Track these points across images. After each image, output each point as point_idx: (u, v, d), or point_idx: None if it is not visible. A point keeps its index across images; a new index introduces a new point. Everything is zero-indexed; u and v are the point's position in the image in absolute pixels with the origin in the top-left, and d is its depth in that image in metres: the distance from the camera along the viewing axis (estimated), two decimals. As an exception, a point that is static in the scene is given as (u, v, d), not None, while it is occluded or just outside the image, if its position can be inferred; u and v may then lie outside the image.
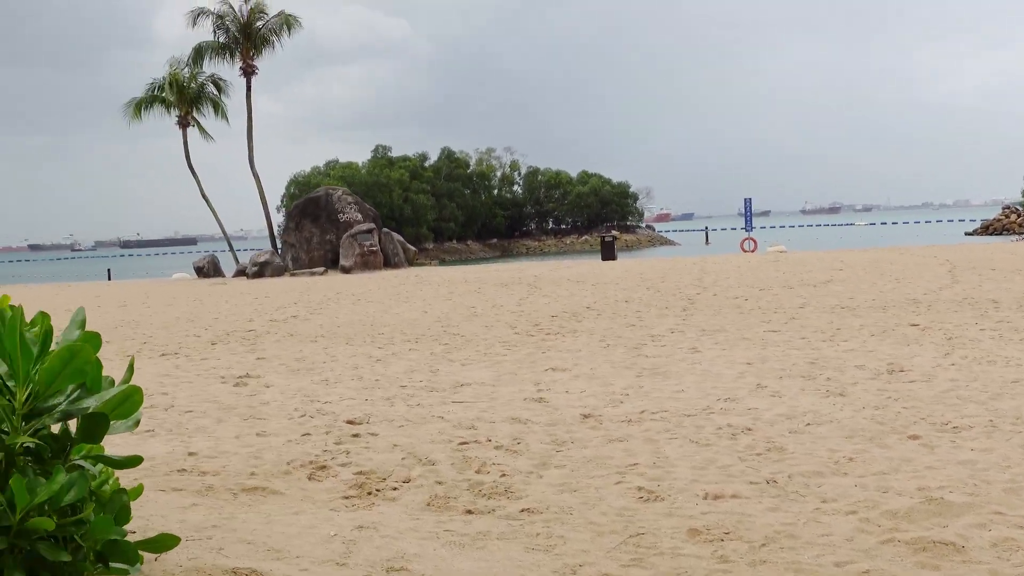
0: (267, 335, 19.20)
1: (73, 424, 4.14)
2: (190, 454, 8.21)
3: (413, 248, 50.06)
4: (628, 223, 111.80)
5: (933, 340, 13.78)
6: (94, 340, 4.09)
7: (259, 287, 37.15)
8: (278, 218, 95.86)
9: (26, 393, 3.86)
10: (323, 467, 7.63)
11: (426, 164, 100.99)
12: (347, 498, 6.82)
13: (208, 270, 46.77)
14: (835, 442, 7.85)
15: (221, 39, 50.29)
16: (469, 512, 6.36)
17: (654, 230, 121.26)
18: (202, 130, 51.46)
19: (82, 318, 4.20)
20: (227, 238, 52.75)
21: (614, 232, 57.64)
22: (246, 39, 49.55)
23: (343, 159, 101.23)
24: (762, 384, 10.76)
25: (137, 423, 4.16)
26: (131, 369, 4.28)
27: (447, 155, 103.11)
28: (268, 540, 5.81)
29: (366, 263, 43.58)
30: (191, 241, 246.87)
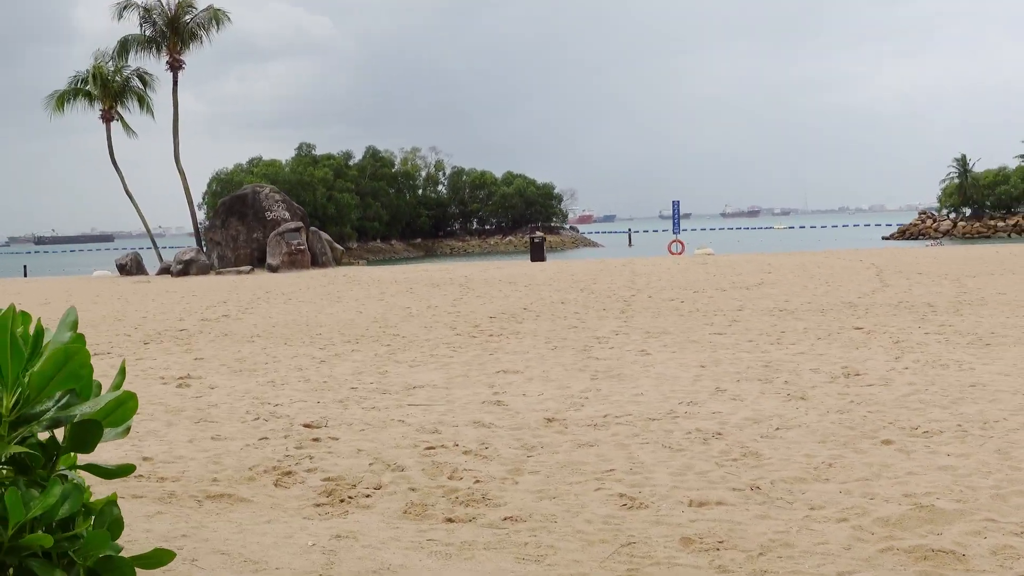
0: (200, 335, 18.75)
1: (58, 432, 3.86)
2: (144, 459, 7.89)
3: (340, 247, 49.53)
4: (552, 224, 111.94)
5: (881, 344, 13.84)
6: (81, 342, 3.82)
7: (185, 285, 36.42)
8: (199, 215, 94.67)
9: (14, 398, 3.57)
10: (288, 473, 7.37)
11: (351, 163, 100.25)
12: (319, 506, 6.58)
13: (131, 267, 45.76)
14: (809, 447, 7.78)
15: (148, 32, 49.26)
16: (449, 520, 6.15)
17: (578, 231, 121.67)
18: (125, 125, 50.35)
19: (73, 319, 3.93)
20: (150, 235, 51.70)
21: (539, 232, 57.42)
22: (173, 33, 48.56)
23: (266, 157, 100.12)
24: (720, 387, 10.69)
25: (128, 430, 3.89)
26: (123, 372, 4.01)
27: (372, 154, 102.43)
28: (243, 551, 5.56)
29: (293, 262, 42.98)
30: (108, 238, 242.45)
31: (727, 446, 7.89)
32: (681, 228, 54.92)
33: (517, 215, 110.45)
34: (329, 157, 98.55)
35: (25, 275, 60.73)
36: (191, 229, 53.71)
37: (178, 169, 49.58)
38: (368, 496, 6.75)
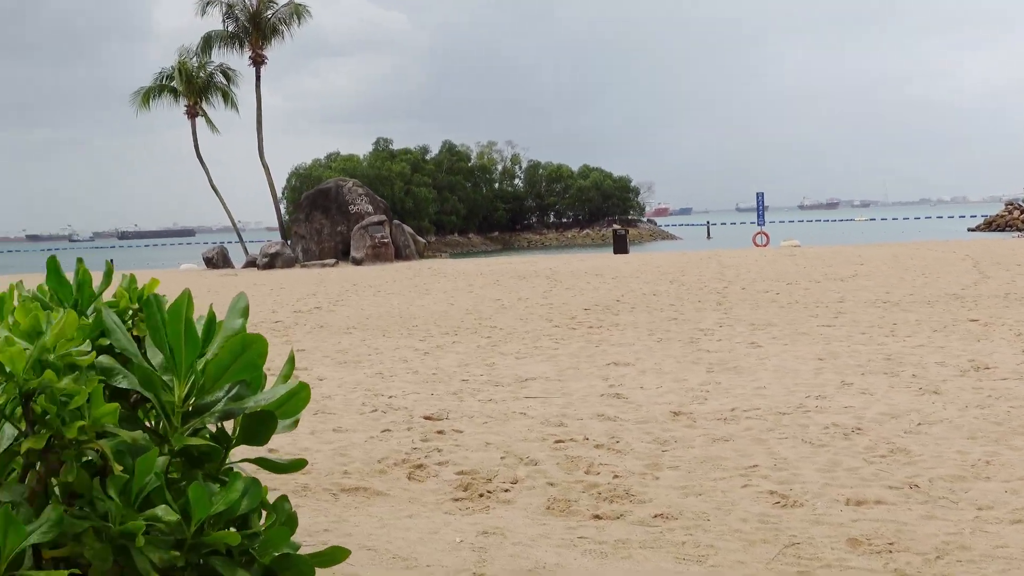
0: (296, 326, 18.75)
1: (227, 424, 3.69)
2: (270, 450, 7.76)
3: (423, 240, 49.61)
4: (629, 217, 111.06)
5: (1003, 336, 13.34)
6: (243, 330, 3.64)
7: (272, 278, 36.68)
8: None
9: (186, 388, 3.39)
10: (420, 466, 7.20)
11: (427, 157, 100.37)
12: (457, 500, 6.40)
13: (217, 261, 46.24)
14: (959, 444, 7.42)
15: (230, 28, 49.71)
16: (597, 517, 5.93)
17: (655, 224, 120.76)
18: (209, 121, 50.94)
19: (244, 305, 3.75)
20: (236, 229, 52.22)
21: (616, 226, 57.05)
22: (255, 28, 48.93)
23: (343, 152, 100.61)
24: (845, 381, 10.34)
25: (296, 423, 3.71)
26: (291, 362, 3.83)
27: (448, 148, 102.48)
28: (389, 546, 5.38)
29: (377, 255, 43.07)
30: (189, 232, 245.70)
31: (871, 442, 7.56)
32: (780, 220, 54.27)
33: (594, 208, 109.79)
34: (406, 151, 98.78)
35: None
36: (269, 223, 54.28)
37: (262, 164, 49.98)
38: (507, 491, 6.55)
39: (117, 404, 3.05)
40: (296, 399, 3.66)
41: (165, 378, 3.38)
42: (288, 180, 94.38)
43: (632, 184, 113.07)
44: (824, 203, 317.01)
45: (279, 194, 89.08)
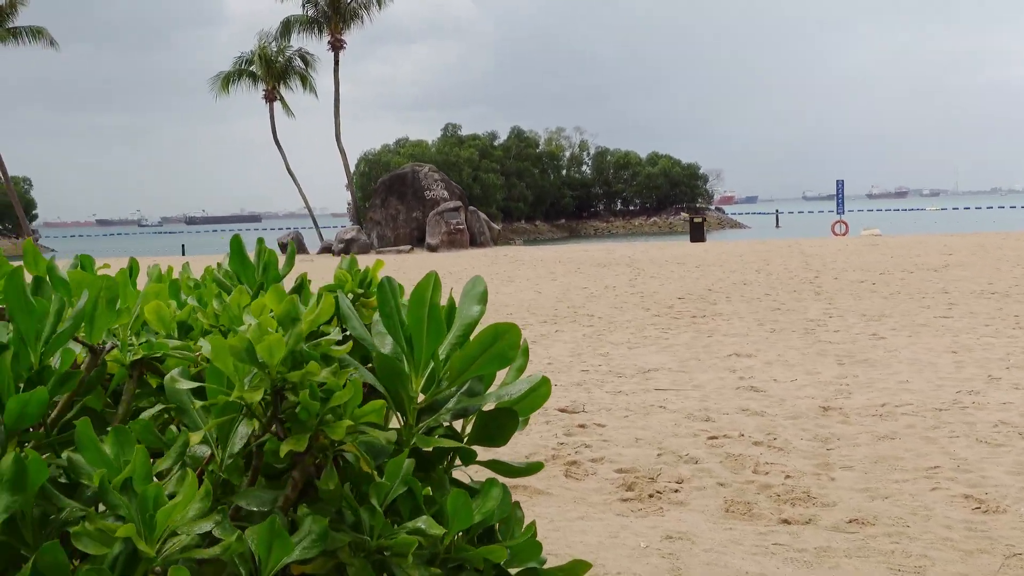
0: (389, 313, 18.50)
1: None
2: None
3: (497, 227, 49.31)
4: (698, 205, 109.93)
5: None
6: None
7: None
8: (346, 196, 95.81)
9: (422, 381, 3.03)
10: (574, 463, 6.85)
11: (496, 143, 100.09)
12: (625, 500, 6.04)
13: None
14: None
15: (310, 13, 49.69)
16: (785, 522, 5.53)
17: (724, 212, 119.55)
18: (285, 105, 50.99)
19: (482, 290, 3.39)
20: (311, 214, 52.28)
21: (693, 215, 56.35)
22: (335, 13, 48.84)
23: (411, 137, 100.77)
24: (992, 375, 9.83)
25: (526, 422, 3.35)
26: (525, 353, 3.47)
27: (516, 134, 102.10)
28: (570, 551, 5.04)
29: (452, 241, 42.86)
30: (256, 218, 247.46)
31: (1056, 442, 7.09)
32: (823, 209, 53.54)
33: (662, 196, 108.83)
34: (475, 137, 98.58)
35: (183, 254, 61.98)
36: (335, 210, 54.53)
37: (339, 149, 49.94)
38: (676, 491, 6.18)
39: (382, 402, 2.72)
40: (536, 395, 3.30)
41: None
42: (357, 166, 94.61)
43: (700, 171, 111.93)
44: (893, 192, 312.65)
45: (348, 181, 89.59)
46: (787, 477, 6.38)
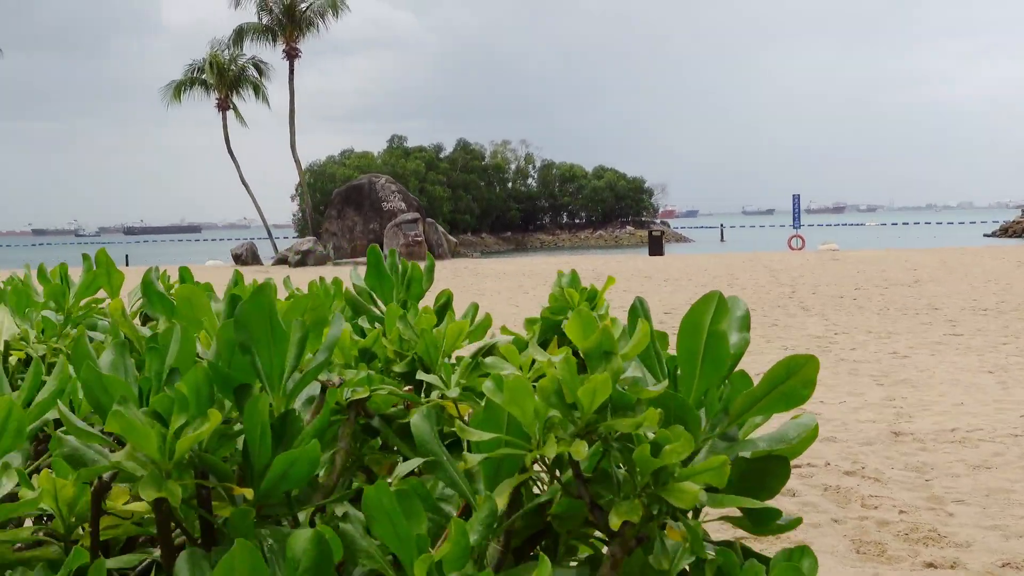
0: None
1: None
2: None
3: (454, 239, 48.84)
4: (642, 219, 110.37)
5: None
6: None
7: (306, 276, 35.77)
8: (292, 207, 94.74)
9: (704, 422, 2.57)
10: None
11: (441, 156, 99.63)
12: (740, 539, 5.61)
13: (247, 257, 45.46)
14: None
15: (264, 20, 48.96)
16: (930, 566, 5.16)
17: (668, 226, 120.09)
18: (238, 114, 50.18)
19: (742, 313, 2.95)
20: (266, 225, 51.51)
21: (651, 229, 56.37)
22: (290, 21, 48.17)
23: (356, 149, 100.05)
24: (1046, 396, 9.58)
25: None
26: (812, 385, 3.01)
27: (463, 147, 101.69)
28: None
29: (411, 253, 42.27)
30: (196, 229, 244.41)
31: None
32: (761, 224, 53.93)
33: (607, 209, 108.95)
34: (421, 150, 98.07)
35: (127, 264, 60.68)
36: (278, 220, 53.61)
37: (294, 159, 49.33)
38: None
39: (723, 458, 2.26)
40: (803, 440, 2.88)
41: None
42: (302, 176, 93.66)
43: (646, 185, 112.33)
44: (830, 207, 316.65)
45: (294, 190, 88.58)
46: (901, 512, 6.02)
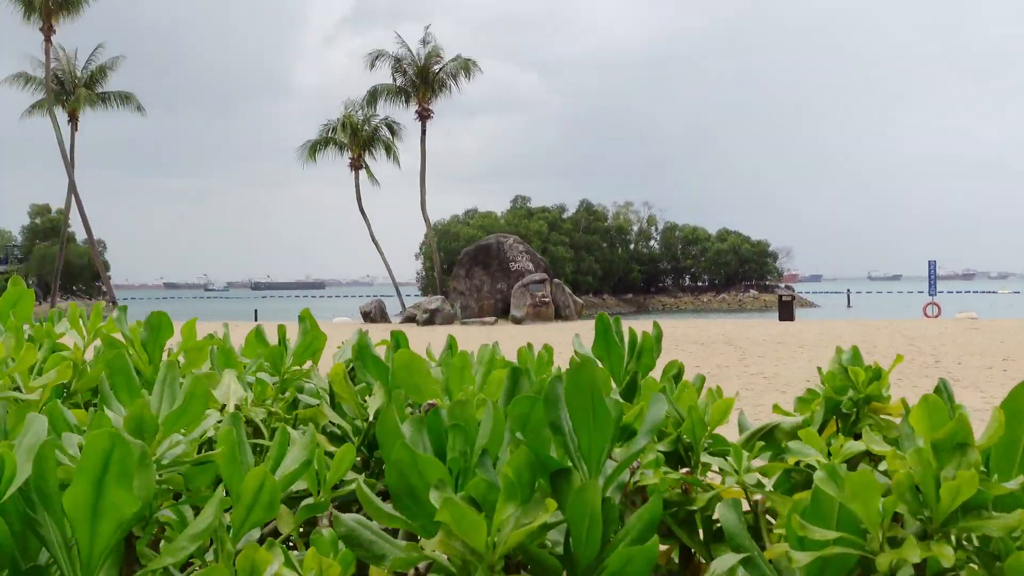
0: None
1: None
2: None
3: (580, 300, 48.73)
4: (767, 283, 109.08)
5: None
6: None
7: (437, 335, 36.05)
8: (416, 265, 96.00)
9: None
10: None
11: (564, 216, 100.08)
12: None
13: (375, 315, 45.92)
14: None
15: (398, 82, 49.94)
16: None
17: (792, 290, 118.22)
18: (370, 174, 51.13)
19: None
20: (395, 283, 52.19)
21: (780, 294, 55.49)
22: (423, 82, 49.05)
23: (479, 209, 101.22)
24: None
25: None
26: None
27: (586, 208, 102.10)
28: None
29: (538, 314, 42.31)
30: (320, 285, 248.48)
31: None
32: (890, 290, 52.60)
33: (731, 272, 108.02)
34: (544, 210, 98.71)
35: (256, 319, 61.82)
36: (402, 278, 54.18)
37: (424, 218, 50.00)
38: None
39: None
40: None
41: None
42: (426, 235, 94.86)
43: (770, 249, 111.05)
44: (960, 273, 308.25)
45: (419, 250, 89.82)
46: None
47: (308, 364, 2.94)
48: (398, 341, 2.65)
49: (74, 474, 1.29)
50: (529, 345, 2.83)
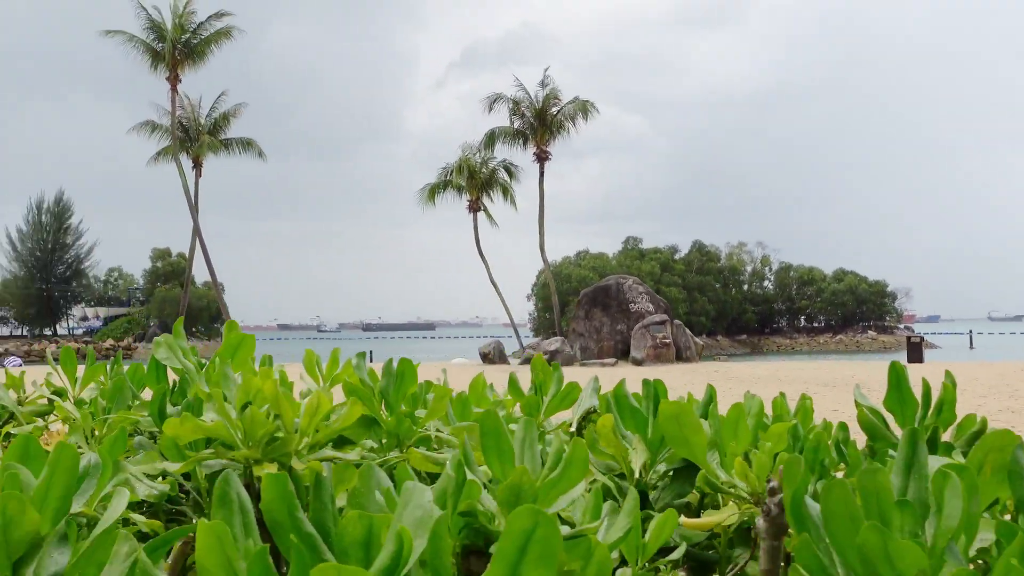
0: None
1: None
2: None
3: (700, 342, 48.11)
4: (885, 324, 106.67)
5: None
6: None
7: (567, 376, 35.74)
8: (528, 306, 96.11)
9: None
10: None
11: (676, 257, 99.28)
12: None
13: (494, 356, 45.92)
14: None
15: (516, 124, 50.27)
16: None
17: (913, 331, 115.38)
18: (489, 216, 51.42)
19: None
20: (513, 324, 52.36)
21: (908, 335, 54.18)
22: (541, 124, 49.26)
23: (590, 250, 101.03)
24: None
25: None
26: None
27: (698, 248, 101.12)
28: None
29: (659, 355, 41.84)
30: (430, 326, 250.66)
31: None
32: (1012, 331, 50.83)
33: (847, 313, 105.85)
34: (656, 251, 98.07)
35: (371, 360, 62.09)
36: (505, 320, 54.34)
37: (543, 259, 49.98)
38: None
39: None
40: None
41: None
42: (538, 277, 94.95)
43: (888, 289, 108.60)
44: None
45: (530, 291, 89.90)
46: None
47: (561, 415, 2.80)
48: (656, 390, 2.46)
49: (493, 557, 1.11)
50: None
